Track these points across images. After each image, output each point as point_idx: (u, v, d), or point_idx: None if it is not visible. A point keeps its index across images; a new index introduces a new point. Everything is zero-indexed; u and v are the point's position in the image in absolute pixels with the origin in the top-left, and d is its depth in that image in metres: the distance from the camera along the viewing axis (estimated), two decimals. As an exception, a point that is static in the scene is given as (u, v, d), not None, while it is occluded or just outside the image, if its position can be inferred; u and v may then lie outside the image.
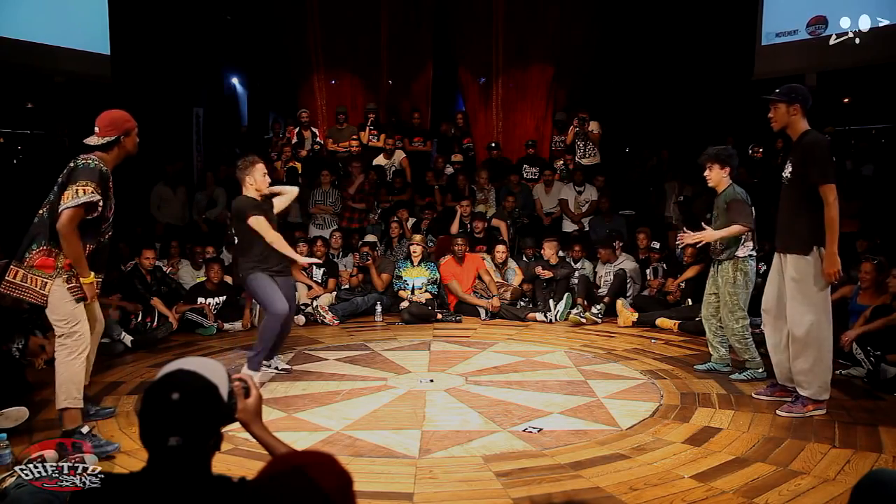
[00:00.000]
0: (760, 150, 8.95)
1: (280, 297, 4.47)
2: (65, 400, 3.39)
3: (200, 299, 6.48)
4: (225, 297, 6.60)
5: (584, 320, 6.64)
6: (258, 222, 4.45)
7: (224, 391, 1.64)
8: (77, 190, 3.29)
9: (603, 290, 7.24)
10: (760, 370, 4.65)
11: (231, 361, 5.24)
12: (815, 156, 3.69)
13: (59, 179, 3.41)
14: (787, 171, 3.87)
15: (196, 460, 1.51)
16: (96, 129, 3.49)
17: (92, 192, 3.32)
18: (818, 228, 3.70)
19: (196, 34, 10.78)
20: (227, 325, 6.47)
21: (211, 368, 1.64)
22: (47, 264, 3.36)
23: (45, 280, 3.36)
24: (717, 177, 4.70)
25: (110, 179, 3.47)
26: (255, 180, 4.55)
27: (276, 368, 4.79)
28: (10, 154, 9.89)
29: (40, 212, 3.45)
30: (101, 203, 3.40)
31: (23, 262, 3.38)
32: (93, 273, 3.43)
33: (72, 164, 3.39)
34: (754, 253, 4.70)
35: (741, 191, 4.66)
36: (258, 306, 6.65)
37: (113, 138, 3.47)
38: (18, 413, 3.61)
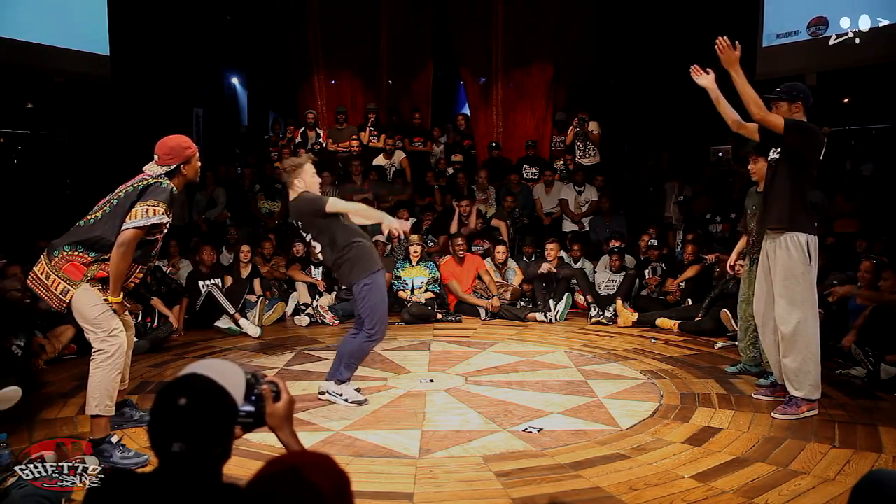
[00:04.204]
0: (761, 150, 8.96)
1: (386, 320, 4.17)
2: (95, 406, 3.25)
3: (200, 282, 6.50)
4: (220, 279, 6.64)
5: (605, 321, 6.66)
6: (335, 203, 3.99)
7: (239, 397, 1.61)
8: (147, 209, 3.20)
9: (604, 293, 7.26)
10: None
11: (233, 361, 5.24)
12: (800, 131, 3.77)
13: (120, 192, 3.30)
14: (776, 152, 3.93)
15: (202, 467, 1.48)
16: (155, 158, 3.37)
17: (162, 214, 3.25)
18: (799, 208, 3.79)
19: (196, 34, 10.79)
20: (242, 323, 6.34)
21: (227, 374, 1.61)
22: (76, 271, 3.23)
23: (69, 287, 3.22)
24: (762, 170, 4.49)
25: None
26: (306, 182, 4.09)
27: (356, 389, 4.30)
28: (10, 154, 9.89)
29: (88, 217, 3.32)
30: (166, 226, 3.36)
31: (51, 259, 3.26)
32: (122, 294, 3.32)
33: (142, 182, 3.28)
34: None
35: None
36: (257, 306, 6.64)
37: (173, 167, 3.37)
38: (11, 394, 3.56)
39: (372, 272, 4.05)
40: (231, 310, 6.34)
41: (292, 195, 4.13)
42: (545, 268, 7.16)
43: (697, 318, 6.22)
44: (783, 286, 3.83)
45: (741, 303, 4.84)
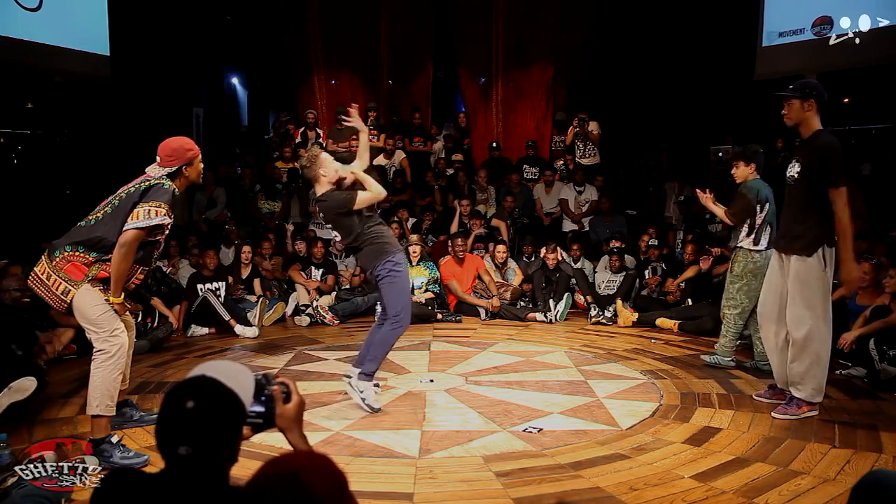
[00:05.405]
0: (760, 150, 8.96)
1: (410, 306, 4.15)
2: (97, 406, 3.25)
3: (199, 286, 6.48)
4: (224, 282, 6.60)
5: (605, 321, 6.66)
6: (362, 199, 3.96)
7: (247, 399, 1.60)
8: (150, 210, 3.21)
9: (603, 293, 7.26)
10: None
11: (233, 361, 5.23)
12: (829, 158, 3.61)
13: (122, 193, 3.31)
14: (794, 170, 3.80)
15: (208, 470, 1.47)
16: (157, 159, 3.38)
17: (164, 215, 3.26)
18: (824, 230, 3.67)
19: (196, 34, 10.79)
20: (238, 329, 6.26)
21: (235, 375, 1.60)
22: (77, 271, 3.24)
23: (69, 287, 3.23)
24: (742, 174, 4.79)
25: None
26: (328, 173, 4.06)
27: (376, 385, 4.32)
28: (10, 154, 9.88)
29: (89, 217, 3.33)
30: (168, 227, 3.37)
31: (52, 259, 3.26)
32: (123, 295, 3.33)
33: (144, 183, 3.29)
34: (762, 248, 4.66)
35: (754, 186, 4.69)
36: (257, 307, 6.63)
37: (174, 168, 3.37)
38: (26, 384, 3.55)
39: (391, 256, 4.05)
40: (226, 316, 6.30)
41: (320, 190, 4.07)
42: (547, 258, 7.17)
43: (697, 318, 6.22)
44: (797, 291, 3.77)
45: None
